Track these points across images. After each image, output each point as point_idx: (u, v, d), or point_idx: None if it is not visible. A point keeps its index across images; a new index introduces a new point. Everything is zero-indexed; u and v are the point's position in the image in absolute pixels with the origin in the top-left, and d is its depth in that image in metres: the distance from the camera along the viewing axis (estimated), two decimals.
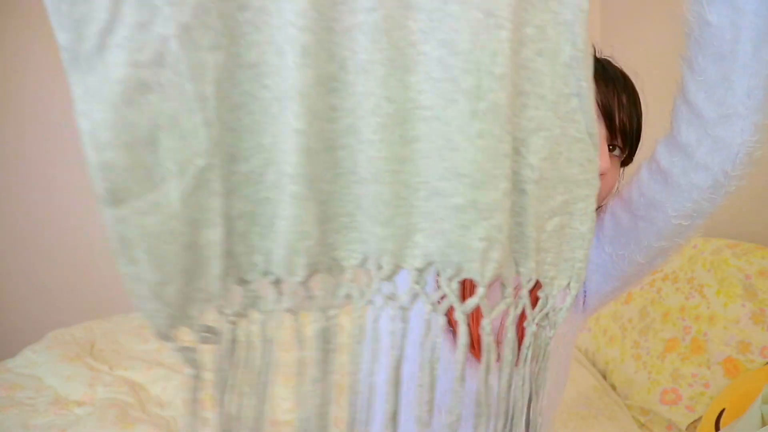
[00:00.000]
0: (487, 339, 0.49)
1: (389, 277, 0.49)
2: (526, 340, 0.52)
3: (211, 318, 0.46)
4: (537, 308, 0.52)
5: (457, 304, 0.48)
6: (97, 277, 2.35)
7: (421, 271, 0.49)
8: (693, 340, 1.36)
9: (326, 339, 0.48)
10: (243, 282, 0.48)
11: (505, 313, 0.50)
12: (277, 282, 0.48)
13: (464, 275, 0.47)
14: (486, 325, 0.49)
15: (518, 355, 0.52)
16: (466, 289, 0.50)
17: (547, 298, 0.51)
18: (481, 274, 0.46)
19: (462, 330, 0.48)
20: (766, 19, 0.49)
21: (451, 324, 0.67)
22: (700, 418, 1.24)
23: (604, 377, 1.58)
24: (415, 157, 0.46)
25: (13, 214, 2.29)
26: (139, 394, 1.54)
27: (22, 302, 2.33)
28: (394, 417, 0.49)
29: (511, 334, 0.51)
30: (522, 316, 0.51)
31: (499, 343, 0.52)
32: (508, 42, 0.44)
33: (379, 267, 0.48)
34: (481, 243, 0.45)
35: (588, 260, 0.51)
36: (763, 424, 0.79)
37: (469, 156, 0.44)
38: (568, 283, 0.51)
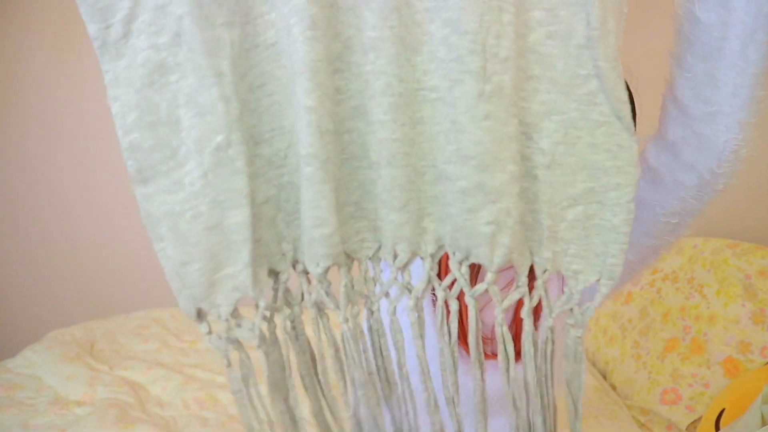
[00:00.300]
0: (500, 330, 0.48)
1: (405, 266, 0.47)
2: (543, 334, 0.49)
3: (245, 312, 0.46)
4: (558, 303, 0.48)
5: (467, 288, 0.47)
6: (97, 277, 2.35)
7: (433, 257, 0.48)
8: (693, 340, 1.36)
9: (355, 339, 0.48)
10: (274, 273, 0.48)
11: (520, 303, 0.48)
12: (305, 272, 0.48)
13: (473, 259, 0.46)
14: (498, 314, 0.47)
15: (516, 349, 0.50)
16: (473, 277, 0.49)
17: (571, 293, 0.48)
18: (490, 259, 0.45)
19: (472, 314, 0.47)
20: (755, 17, 0.49)
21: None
22: (700, 418, 1.23)
23: (604, 377, 1.58)
24: (421, 140, 0.46)
25: (14, 214, 2.29)
26: (139, 394, 1.54)
27: (22, 302, 2.32)
28: (435, 402, 0.50)
29: (528, 326, 0.48)
30: (538, 309, 0.49)
31: (492, 339, 0.50)
32: (511, 26, 0.43)
33: (395, 256, 0.47)
34: (489, 227, 0.44)
35: (624, 256, 0.47)
36: (763, 424, 0.79)
37: (475, 138, 0.43)
38: (598, 279, 0.47)
